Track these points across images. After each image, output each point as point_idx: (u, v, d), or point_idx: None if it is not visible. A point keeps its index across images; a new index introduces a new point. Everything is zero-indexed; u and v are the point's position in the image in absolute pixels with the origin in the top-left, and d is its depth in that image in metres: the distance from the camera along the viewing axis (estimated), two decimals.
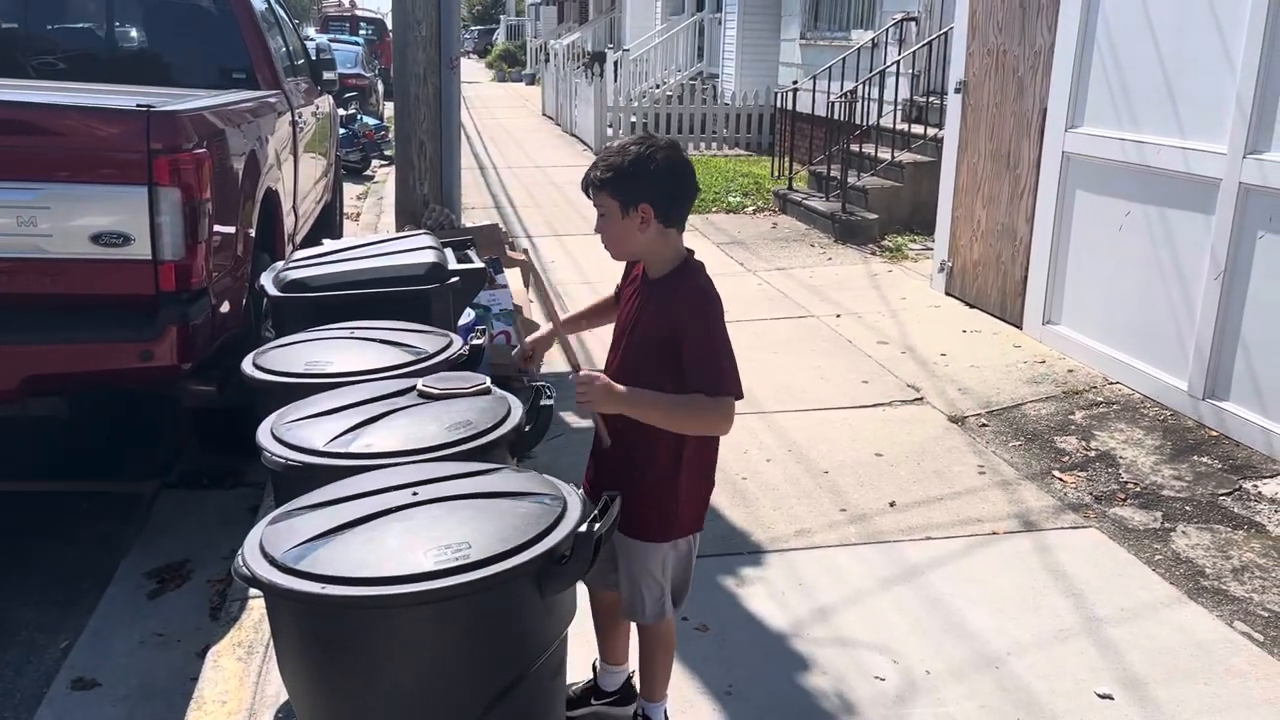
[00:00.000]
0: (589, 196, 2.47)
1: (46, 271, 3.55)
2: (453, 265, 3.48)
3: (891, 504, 4.06)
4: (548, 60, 24.45)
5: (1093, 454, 4.55)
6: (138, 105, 3.56)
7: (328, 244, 3.90)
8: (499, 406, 2.51)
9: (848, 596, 3.39)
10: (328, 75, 7.53)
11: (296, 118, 5.95)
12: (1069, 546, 3.76)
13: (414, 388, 2.59)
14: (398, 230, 6.41)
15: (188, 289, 3.70)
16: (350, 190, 12.11)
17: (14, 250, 3.51)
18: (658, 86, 17.44)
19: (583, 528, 1.86)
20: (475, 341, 3.02)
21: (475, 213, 10.23)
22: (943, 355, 5.86)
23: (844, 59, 10.49)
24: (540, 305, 6.31)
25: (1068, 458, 4.52)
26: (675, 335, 2.37)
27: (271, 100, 5.38)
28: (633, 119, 15.24)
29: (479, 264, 3.55)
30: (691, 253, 2.53)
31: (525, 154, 15.08)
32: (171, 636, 3.42)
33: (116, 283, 3.60)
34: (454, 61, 6.22)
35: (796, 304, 7.00)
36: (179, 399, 4.12)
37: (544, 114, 21.28)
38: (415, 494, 1.97)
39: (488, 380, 2.65)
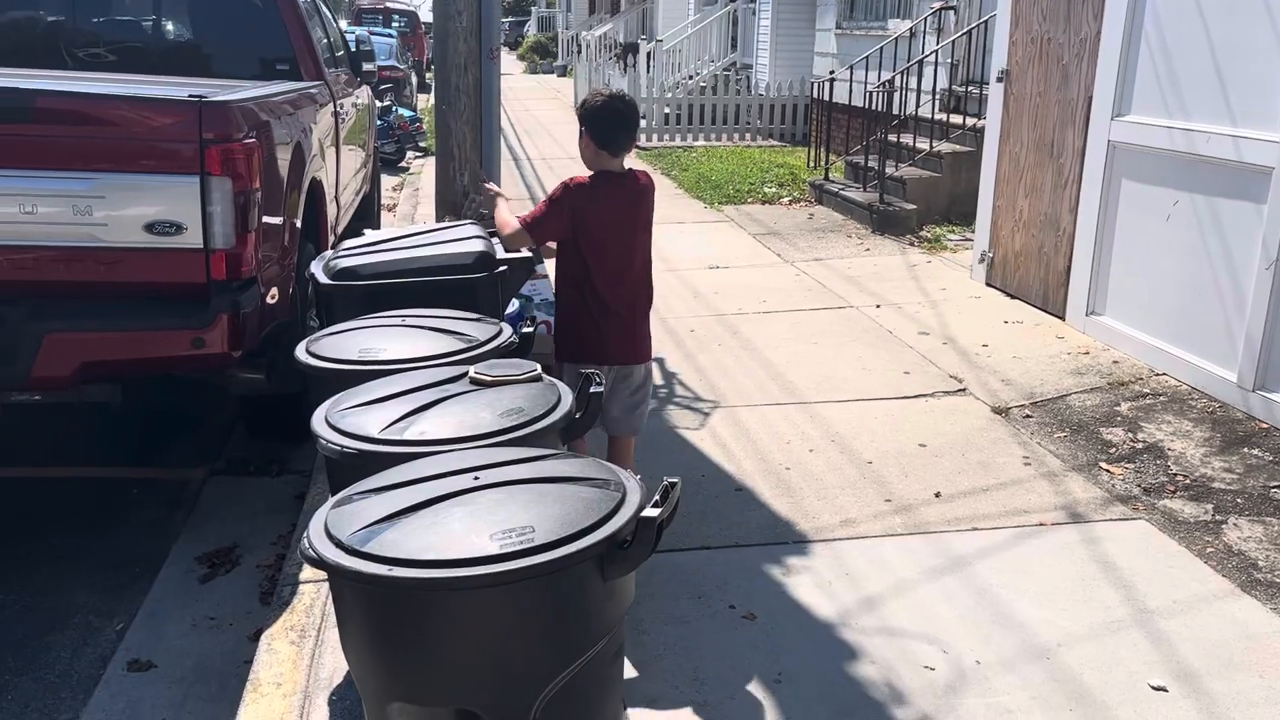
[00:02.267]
0: None
1: (101, 260, 3.60)
2: (501, 254, 3.50)
3: (936, 495, 4.04)
4: (579, 52, 24.42)
5: (1140, 446, 4.50)
6: (190, 96, 3.60)
7: (376, 233, 3.93)
8: (550, 394, 2.53)
9: (895, 587, 3.38)
10: (367, 67, 7.58)
11: (338, 109, 5.99)
12: (1118, 538, 3.73)
13: (466, 375, 2.61)
14: (438, 221, 6.43)
15: (238, 277, 3.74)
16: (386, 182, 12.18)
17: (70, 239, 3.56)
18: (690, 77, 17.39)
19: (647, 512, 1.87)
20: (525, 329, 3.04)
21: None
22: (984, 346, 5.81)
23: (880, 48, 10.41)
24: None
25: (1114, 449, 4.47)
26: None
27: (315, 91, 5.41)
28: (665, 110, 15.21)
29: (526, 253, 3.56)
30: (621, 169, 3.58)
31: (558, 145, 15.08)
32: (223, 620, 3.47)
33: (169, 271, 3.64)
34: (494, 52, 6.22)
35: (835, 294, 6.97)
36: (227, 387, 4.17)
37: (576, 106, 21.24)
38: (476, 478, 1.99)
39: (538, 368, 2.67)
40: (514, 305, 4.30)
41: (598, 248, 3.45)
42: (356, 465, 2.28)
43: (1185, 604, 3.31)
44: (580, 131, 3.57)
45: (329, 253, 3.71)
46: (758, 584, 3.38)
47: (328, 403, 2.54)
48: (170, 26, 5.96)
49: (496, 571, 1.71)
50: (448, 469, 2.04)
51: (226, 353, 3.72)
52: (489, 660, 1.80)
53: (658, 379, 5.34)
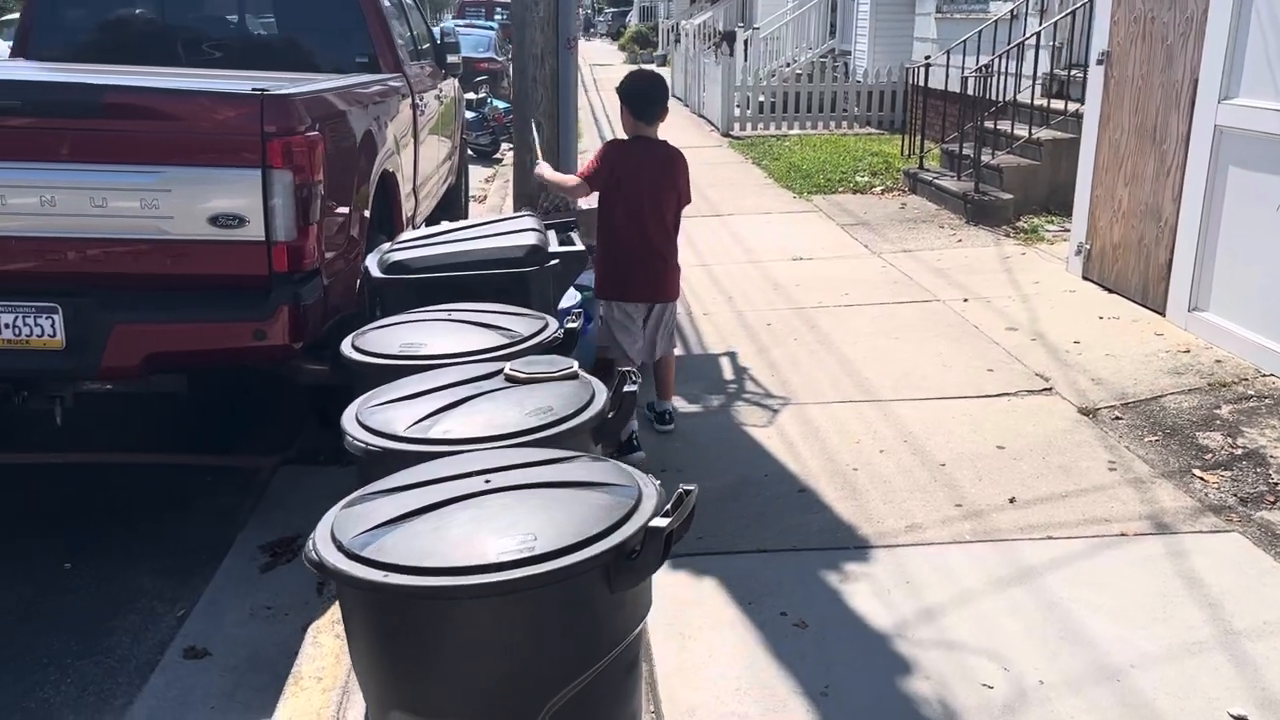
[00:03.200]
0: None
1: (167, 252, 3.66)
2: (553, 248, 3.44)
3: (1011, 500, 3.84)
4: (678, 41, 24.31)
5: (1239, 452, 4.22)
6: (253, 89, 3.63)
7: (434, 226, 3.91)
8: (583, 392, 2.46)
9: (957, 597, 3.22)
10: (452, 59, 7.61)
11: (418, 101, 6.02)
12: (1207, 551, 3.49)
13: (502, 371, 2.55)
14: (515, 212, 6.43)
15: (300, 270, 3.76)
16: (480, 173, 12.30)
17: (137, 232, 3.62)
18: (788, 65, 17.12)
19: (655, 522, 1.78)
20: (570, 325, 2.97)
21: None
22: (1076, 343, 5.54)
23: (980, 32, 10.04)
24: None
25: (1211, 455, 4.20)
26: None
27: (391, 84, 5.44)
28: (760, 98, 15.00)
29: (579, 246, 3.50)
30: (655, 136, 4.41)
31: None
32: (280, 610, 3.50)
33: (232, 263, 3.68)
34: (571, 42, 6.18)
35: (921, 288, 6.74)
36: (294, 377, 4.21)
37: (673, 95, 21.12)
38: (488, 481, 1.93)
39: (575, 365, 2.60)
40: (573, 296, 4.24)
41: (636, 198, 4.24)
42: (380, 463, 2.25)
43: (1276, 625, 3.07)
44: (620, 107, 4.40)
45: (386, 245, 3.70)
46: (812, 590, 3.26)
47: (361, 398, 2.52)
48: (255, 21, 6.07)
49: (491, 581, 1.65)
50: (460, 471, 1.98)
51: (287, 344, 3.75)
52: (487, 672, 1.74)
53: (728, 375, 5.24)
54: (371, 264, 3.44)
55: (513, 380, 2.52)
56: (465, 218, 8.66)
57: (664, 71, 25.75)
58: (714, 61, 15.72)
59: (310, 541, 1.85)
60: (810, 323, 6.02)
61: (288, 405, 5.17)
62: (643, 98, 4.34)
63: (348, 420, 2.40)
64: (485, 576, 1.65)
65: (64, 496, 4.28)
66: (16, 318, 3.66)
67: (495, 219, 3.96)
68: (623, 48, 41.16)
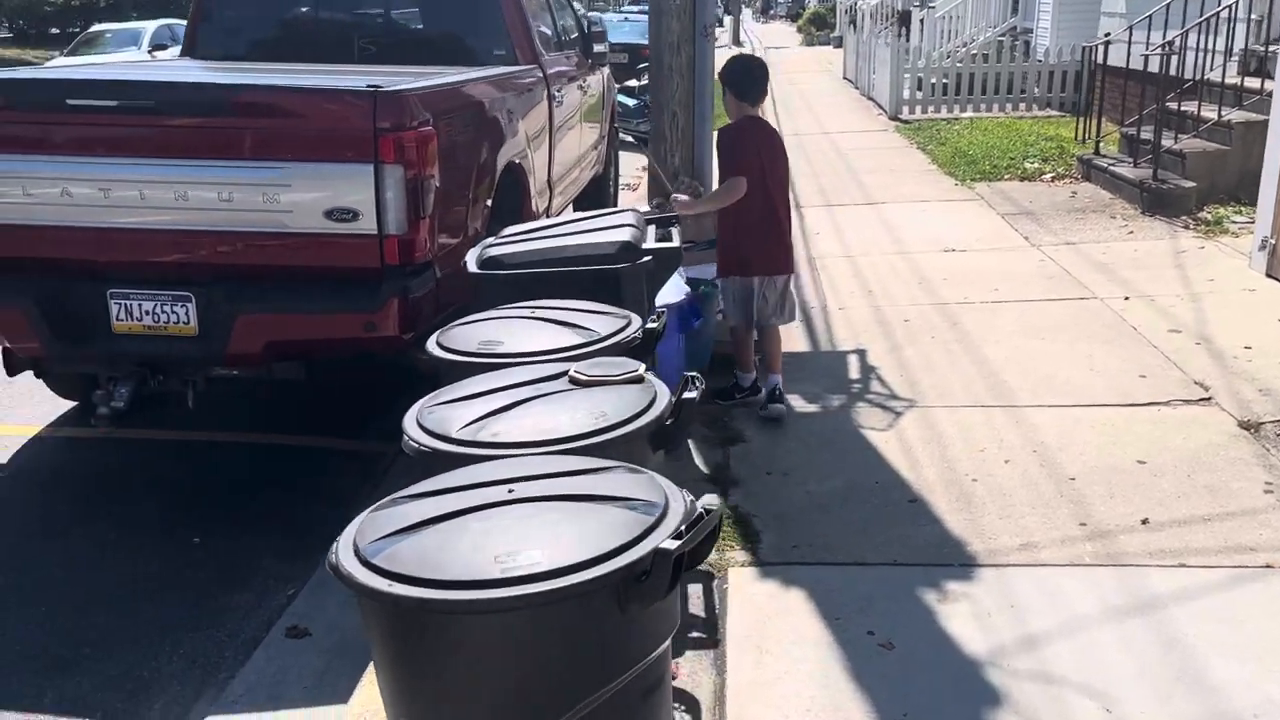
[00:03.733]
0: None
1: (286, 245, 3.80)
2: (648, 244, 3.38)
3: (1144, 521, 3.54)
4: (853, 22, 23.70)
5: None
6: (368, 86, 3.71)
7: (536, 221, 3.91)
8: (642, 397, 2.39)
9: (1065, 625, 2.98)
10: (598, 48, 7.64)
11: (554, 93, 6.05)
12: None
13: (566, 373, 2.52)
14: (650, 203, 6.40)
15: (411, 263, 3.83)
16: (637, 161, 12.32)
17: (260, 225, 3.78)
18: (965, 45, 16.40)
19: (665, 544, 1.70)
20: (650, 325, 2.90)
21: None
22: (1246, 348, 5.06)
23: (1168, 5, 9.30)
24: None
25: None
26: None
27: (524, 76, 5.49)
28: (933, 80, 14.43)
29: (675, 243, 3.42)
30: (756, 116, 4.60)
31: (816, 120, 14.70)
32: None
33: (346, 256, 3.79)
34: (708, 30, 6.06)
35: (1079, 283, 6.31)
36: (417, 367, 4.31)
37: (844, 78, 20.68)
38: (511, 491, 1.90)
39: (641, 368, 2.53)
40: (681, 290, 4.16)
41: (766, 175, 4.41)
42: (432, 463, 2.25)
43: None
44: (724, 91, 4.58)
45: (490, 239, 3.73)
46: (905, 609, 3.09)
47: (427, 396, 2.53)
48: (406, 19, 6.24)
49: (487, 598, 1.61)
50: (487, 479, 1.96)
51: (397, 336, 3.83)
52: (490, 690, 1.71)
53: (853, 373, 5.05)
54: (471, 259, 3.47)
55: (576, 382, 2.49)
56: (614, 205, 8.71)
57: (839, 54, 25.16)
58: (884, 42, 15.23)
59: (335, 544, 1.87)
60: (951, 320, 5.73)
61: (413, 393, 5.31)
62: (745, 79, 4.55)
63: (408, 419, 2.42)
64: (481, 592, 1.62)
65: (199, 475, 4.52)
66: (156, 305, 3.89)
67: (597, 214, 3.93)
68: (800, 30, 40.51)
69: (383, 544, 1.78)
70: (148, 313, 3.89)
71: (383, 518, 1.88)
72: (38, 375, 4.23)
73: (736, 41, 40.13)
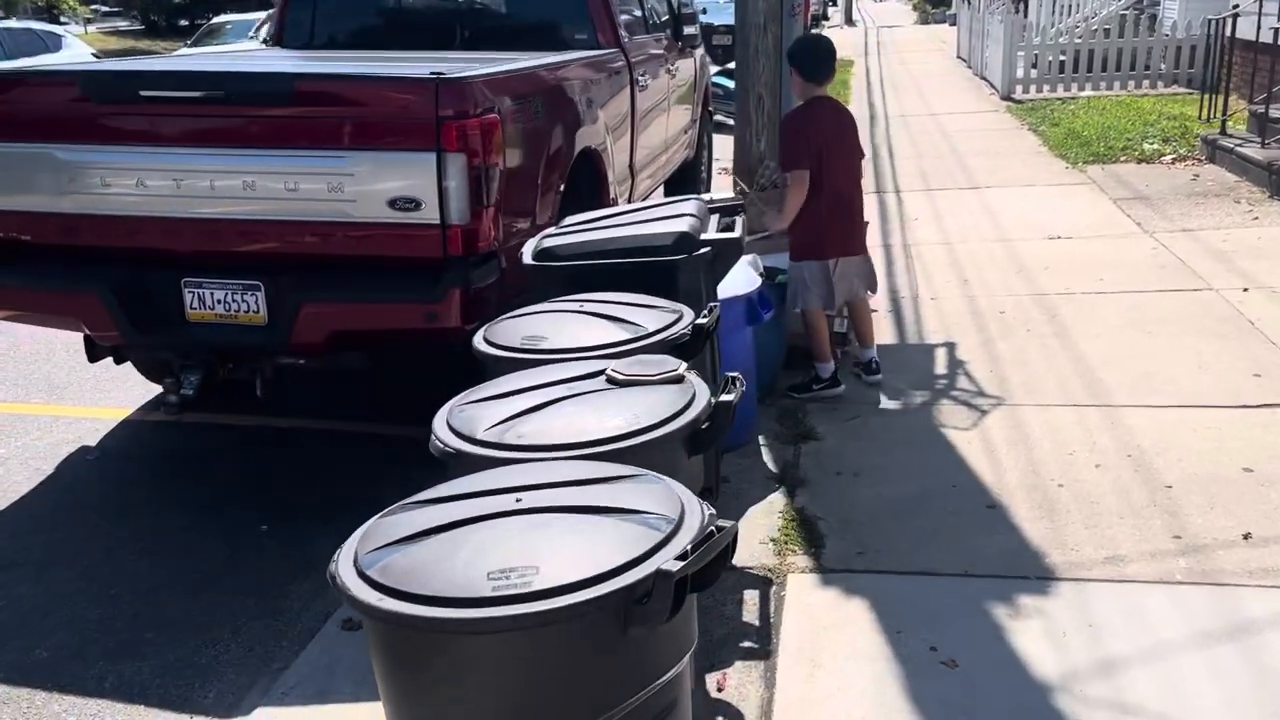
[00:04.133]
0: None
1: (350, 235, 3.78)
2: (706, 235, 3.24)
3: (1246, 536, 3.26)
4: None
5: None
6: (430, 73, 3.66)
7: (598, 211, 3.81)
8: (678, 400, 2.27)
9: (1148, 649, 2.76)
10: (688, 30, 7.49)
11: (638, 77, 5.94)
12: None
13: (604, 371, 2.41)
14: (733, 189, 6.23)
15: (474, 253, 3.77)
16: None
17: (324, 215, 3.76)
18: (1086, 19, 15.66)
19: (667, 565, 1.58)
20: (700, 321, 2.77)
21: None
22: None
23: None
24: None
25: None
26: None
27: (603, 60, 5.39)
28: (1049, 57, 13.81)
29: (735, 234, 3.27)
30: (824, 96, 4.55)
31: (923, 100, 14.24)
32: None
33: (409, 246, 3.75)
34: (796, 9, 5.86)
35: (1194, 274, 5.92)
36: None
37: (958, 57, 20.01)
38: (519, 500, 1.80)
39: (681, 367, 2.41)
40: (753, 282, 4.01)
41: (834, 157, 4.40)
42: (457, 464, 2.18)
43: None
44: (790, 71, 4.57)
45: (549, 230, 3.64)
46: (972, 624, 2.90)
47: (461, 394, 2.46)
48: (490, 5, 6.21)
49: (474, 617, 1.52)
50: (497, 486, 1.87)
51: (459, 327, 3.78)
52: (482, 712, 1.62)
53: (940, 368, 4.82)
54: (527, 250, 3.39)
55: (613, 381, 2.38)
56: (707, 191, 8.56)
57: (954, 32, 24.37)
58: (998, 18, 14.64)
59: (339, 551, 1.81)
60: (1050, 311, 5.43)
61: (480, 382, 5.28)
62: (812, 58, 4.51)
63: (438, 417, 2.34)
64: (468, 611, 1.53)
65: (274, 461, 4.56)
66: (227, 294, 3.92)
67: (659, 202, 3.81)
68: (916, 7, 39.47)
69: (380, 554, 1.71)
70: (219, 301, 3.93)
71: (387, 525, 1.81)
72: (117, 362, 4.32)
73: (850, 21, 39.31)
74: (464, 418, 2.28)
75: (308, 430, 4.84)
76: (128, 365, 4.78)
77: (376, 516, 1.89)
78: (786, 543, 3.38)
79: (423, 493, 1.94)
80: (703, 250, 3.17)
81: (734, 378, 2.39)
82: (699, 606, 3.04)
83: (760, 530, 3.48)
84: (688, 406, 2.25)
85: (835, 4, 43.23)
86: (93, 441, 4.76)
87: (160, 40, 31.01)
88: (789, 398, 4.49)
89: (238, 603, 3.55)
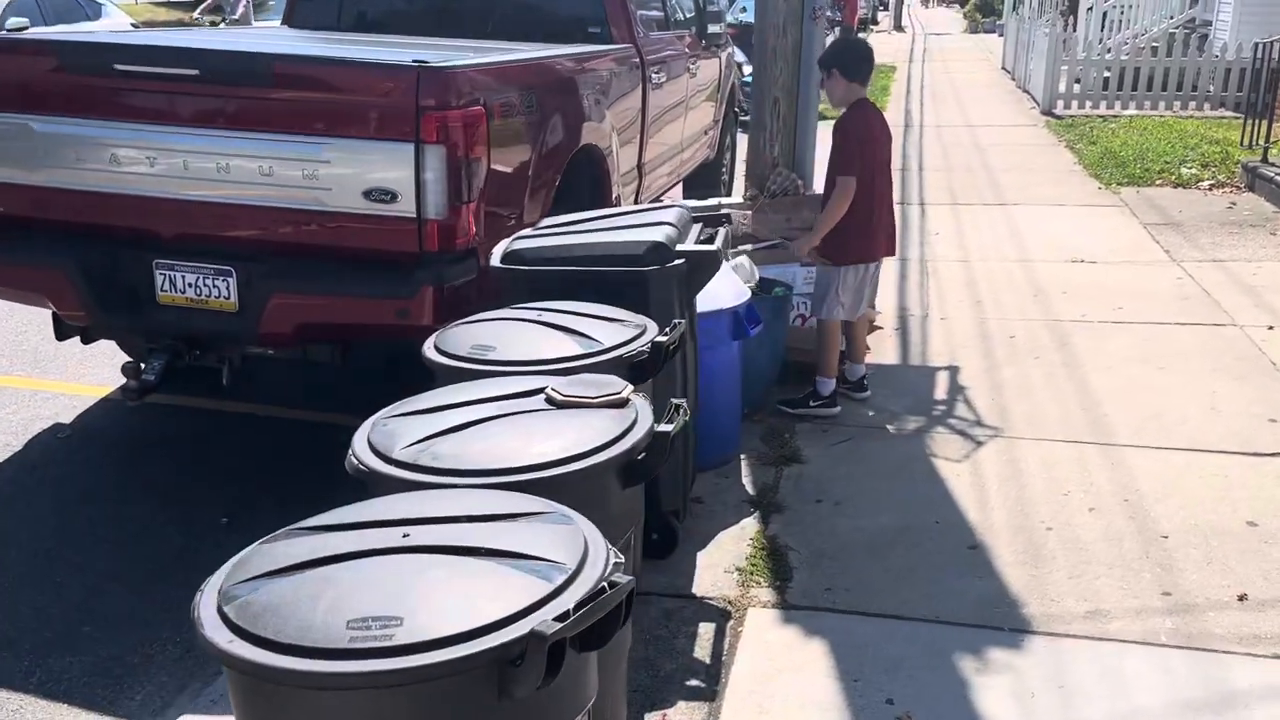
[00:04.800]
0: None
1: (324, 224, 3.64)
2: (682, 246, 3.07)
3: (1241, 598, 3.05)
4: (1015, 8, 22.49)
5: None
6: (413, 61, 3.52)
7: (575, 214, 3.65)
8: (616, 426, 2.11)
9: (1121, 716, 2.56)
10: (713, 29, 7.31)
11: (652, 74, 5.77)
12: None
13: (544, 390, 2.26)
14: (745, 194, 6.05)
15: (451, 249, 3.63)
16: None
17: (298, 202, 3.63)
18: (1136, 36, 15.28)
19: (540, 627, 1.42)
20: (659, 338, 2.61)
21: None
22: None
23: None
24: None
25: None
26: None
27: (612, 55, 5.23)
28: (1094, 73, 13.46)
29: (712, 247, 3.10)
30: (866, 98, 4.36)
31: (961, 111, 13.95)
32: None
33: (383, 239, 3.61)
34: (817, 13, 5.66)
35: (1218, 307, 5.67)
36: None
37: (1002, 68, 19.66)
38: (406, 536, 1.65)
39: (626, 389, 2.25)
40: (742, 294, 3.83)
41: (875, 161, 4.25)
42: (371, 484, 2.04)
43: None
44: (828, 73, 4.35)
45: (523, 232, 3.49)
46: (935, 677, 2.72)
47: (389, 407, 2.31)
48: None
49: (321, 671, 1.37)
50: (393, 516, 1.72)
51: (431, 325, 3.63)
52: None
53: (939, 393, 4.62)
54: (497, 252, 3.24)
55: (551, 402, 2.23)
56: (728, 194, 8.37)
57: (998, 42, 23.98)
58: (1043, 31, 14.31)
59: (207, 581, 1.66)
60: (1062, 339, 5.21)
61: None
62: (855, 57, 4.35)
63: (361, 429, 2.20)
64: (317, 663, 1.38)
65: (249, 450, 4.44)
66: (199, 278, 3.80)
67: (641, 208, 3.65)
68: (966, 16, 38.95)
69: (245, 588, 1.56)
70: (190, 285, 3.81)
71: (264, 554, 1.66)
72: (85, 341, 4.21)
73: (898, 27, 38.86)
74: (385, 432, 2.13)
75: (286, 420, 4.71)
76: (114, 343, 4.68)
77: (258, 542, 1.74)
78: (752, 573, 3.21)
79: (313, 518, 1.79)
80: (676, 262, 3.01)
81: (678, 405, 2.23)
82: (647, 637, 2.91)
83: (727, 558, 3.31)
84: (624, 435, 2.09)
85: (885, 8, 42.76)
86: (68, 419, 4.67)
87: (215, 14, 31.13)
88: (781, 413, 4.31)
89: (183, 598, 3.36)
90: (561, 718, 1.60)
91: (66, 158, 3.78)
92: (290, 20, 5.97)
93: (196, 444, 4.46)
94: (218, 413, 4.68)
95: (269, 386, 4.92)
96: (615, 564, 1.63)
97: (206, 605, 1.56)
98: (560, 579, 1.55)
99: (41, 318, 5.66)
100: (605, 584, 1.52)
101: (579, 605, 1.46)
